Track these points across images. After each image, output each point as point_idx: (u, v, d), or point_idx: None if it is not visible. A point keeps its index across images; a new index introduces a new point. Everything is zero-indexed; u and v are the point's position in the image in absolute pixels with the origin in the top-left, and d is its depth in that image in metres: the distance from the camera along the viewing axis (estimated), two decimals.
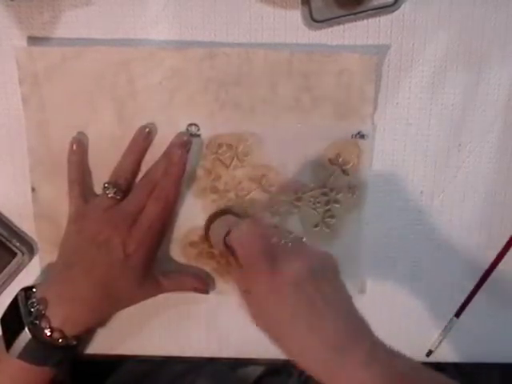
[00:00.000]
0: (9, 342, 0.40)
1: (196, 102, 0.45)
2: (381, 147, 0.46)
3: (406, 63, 0.45)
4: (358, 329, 0.35)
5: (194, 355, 0.50)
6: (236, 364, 0.54)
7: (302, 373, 0.56)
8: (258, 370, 0.56)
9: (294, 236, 0.39)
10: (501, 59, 0.44)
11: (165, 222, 0.44)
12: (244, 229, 0.39)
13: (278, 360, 0.50)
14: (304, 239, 0.40)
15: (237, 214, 0.46)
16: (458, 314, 0.49)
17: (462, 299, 0.49)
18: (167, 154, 0.44)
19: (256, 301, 0.37)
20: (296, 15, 0.44)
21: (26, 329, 0.40)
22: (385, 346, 0.35)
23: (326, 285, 0.36)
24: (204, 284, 0.47)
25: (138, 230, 0.42)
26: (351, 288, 0.47)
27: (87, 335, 0.49)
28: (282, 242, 0.38)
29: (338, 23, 0.44)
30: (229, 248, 0.39)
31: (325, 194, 0.46)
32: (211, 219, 0.46)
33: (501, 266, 0.48)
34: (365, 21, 0.44)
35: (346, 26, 0.44)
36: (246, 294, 0.37)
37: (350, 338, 0.34)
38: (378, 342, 0.35)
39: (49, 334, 0.40)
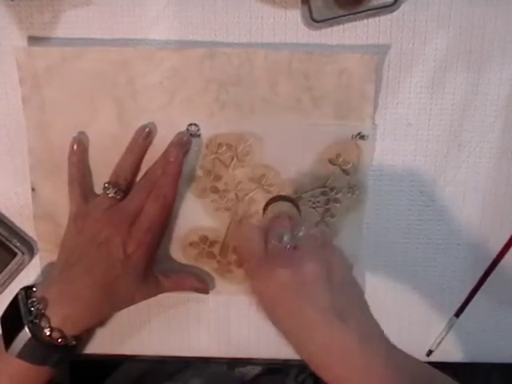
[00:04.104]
0: (8, 341, 0.40)
1: (196, 102, 0.45)
2: (381, 147, 0.46)
3: (406, 63, 0.45)
4: (365, 331, 0.35)
5: (193, 355, 0.50)
6: (234, 363, 0.54)
7: (299, 373, 0.56)
8: (255, 370, 0.56)
9: (300, 234, 0.39)
10: (501, 59, 0.44)
11: (164, 221, 0.44)
12: (241, 232, 0.42)
13: (277, 360, 0.50)
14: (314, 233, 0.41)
15: (294, 203, 0.46)
16: (458, 314, 0.49)
17: (462, 299, 0.49)
18: (165, 153, 0.44)
19: (259, 302, 0.38)
20: (296, 15, 0.44)
21: (26, 328, 0.40)
22: (391, 347, 0.36)
23: (324, 290, 0.36)
24: (204, 284, 0.47)
25: (137, 229, 0.42)
26: None
27: (87, 335, 0.49)
28: (284, 244, 0.38)
29: (338, 23, 0.44)
30: None
31: (325, 194, 0.46)
32: (268, 204, 0.46)
33: (501, 265, 0.48)
34: (365, 21, 0.44)
35: (346, 25, 0.44)
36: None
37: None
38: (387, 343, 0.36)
39: (48, 333, 0.40)
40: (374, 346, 0.35)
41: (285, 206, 0.45)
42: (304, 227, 0.40)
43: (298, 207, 0.45)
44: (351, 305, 0.36)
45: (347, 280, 0.38)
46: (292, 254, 0.38)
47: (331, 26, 0.44)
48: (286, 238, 0.39)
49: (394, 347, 0.36)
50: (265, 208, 0.46)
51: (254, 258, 0.39)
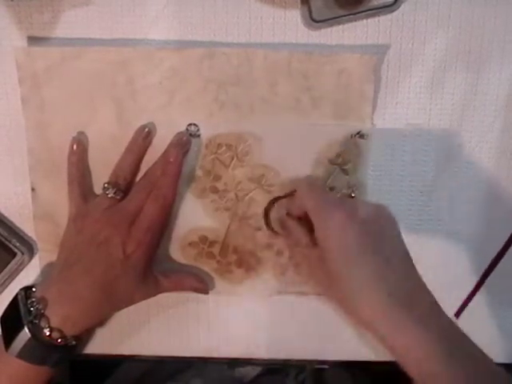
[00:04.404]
0: (8, 341, 0.40)
1: (195, 102, 0.45)
2: (380, 147, 0.46)
3: (406, 63, 0.45)
4: (417, 287, 0.38)
5: (193, 355, 0.50)
6: (234, 363, 0.54)
7: (299, 372, 0.56)
8: (255, 370, 0.56)
9: None
10: (500, 59, 0.44)
11: (163, 221, 0.44)
12: (309, 184, 0.44)
13: (277, 360, 0.50)
14: None
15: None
16: (457, 314, 0.49)
17: (462, 299, 0.49)
18: (165, 153, 0.44)
19: (324, 246, 0.38)
20: (295, 15, 0.44)
21: (26, 328, 0.40)
22: (442, 310, 0.37)
23: (389, 234, 0.38)
24: (204, 284, 0.47)
25: (137, 229, 0.42)
26: None
27: (87, 335, 0.49)
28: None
29: (338, 23, 0.44)
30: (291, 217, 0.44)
31: None
32: (269, 206, 0.47)
33: (501, 265, 0.48)
34: (364, 21, 0.44)
35: (346, 26, 0.44)
36: (312, 246, 0.40)
37: (409, 294, 0.36)
38: (436, 304, 0.37)
39: (48, 333, 0.40)
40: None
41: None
42: None
43: None
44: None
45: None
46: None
47: (331, 26, 0.44)
48: None
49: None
50: (266, 213, 0.46)
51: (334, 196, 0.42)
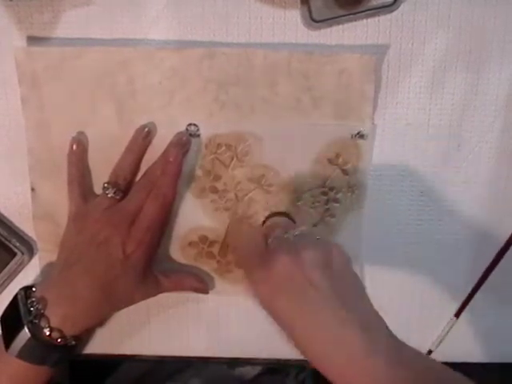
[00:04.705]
0: (8, 341, 0.40)
1: (195, 102, 0.45)
2: (380, 147, 0.46)
3: (406, 63, 0.45)
4: (367, 320, 0.34)
5: (193, 355, 0.50)
6: (234, 363, 0.54)
7: (299, 372, 0.56)
8: (255, 369, 0.56)
9: (297, 232, 0.39)
10: (500, 59, 0.44)
11: (163, 221, 0.44)
12: (242, 232, 0.43)
13: (277, 360, 0.50)
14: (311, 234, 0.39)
15: (289, 217, 0.46)
16: (457, 314, 0.49)
17: (462, 299, 0.49)
18: (164, 153, 0.44)
19: (259, 299, 0.37)
20: (295, 15, 0.44)
21: (25, 328, 0.40)
22: (394, 338, 0.35)
23: (323, 276, 0.35)
24: (204, 284, 0.47)
25: (137, 229, 0.42)
26: None
27: (86, 335, 0.49)
28: (285, 236, 0.38)
29: (338, 23, 0.44)
30: None
31: (324, 194, 0.46)
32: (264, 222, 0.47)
33: (501, 265, 0.48)
34: (364, 21, 0.44)
35: (346, 26, 0.44)
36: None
37: (353, 329, 0.33)
38: (390, 333, 0.35)
39: (48, 333, 0.40)
40: (377, 337, 0.34)
41: (280, 220, 0.46)
42: (301, 229, 0.39)
43: (293, 221, 0.46)
44: (352, 294, 0.36)
45: (347, 270, 0.37)
46: (291, 243, 0.37)
47: (331, 26, 0.44)
48: (286, 235, 0.38)
49: (398, 341, 0.35)
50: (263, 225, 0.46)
51: (254, 255, 0.38)
